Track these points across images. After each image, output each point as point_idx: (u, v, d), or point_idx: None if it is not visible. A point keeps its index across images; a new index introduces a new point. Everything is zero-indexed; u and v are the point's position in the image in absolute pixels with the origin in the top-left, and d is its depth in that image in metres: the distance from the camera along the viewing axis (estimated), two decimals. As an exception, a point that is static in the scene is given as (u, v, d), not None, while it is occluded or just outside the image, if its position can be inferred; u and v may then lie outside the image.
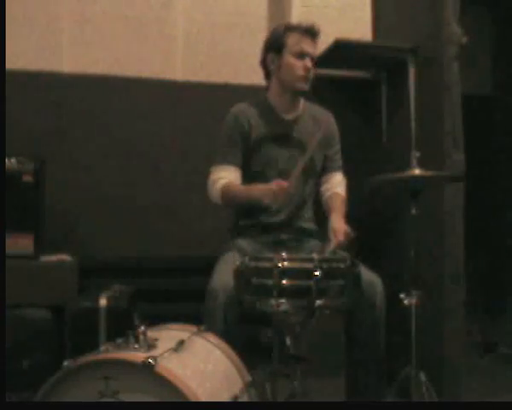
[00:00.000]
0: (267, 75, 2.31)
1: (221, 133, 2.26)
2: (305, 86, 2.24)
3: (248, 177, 2.23)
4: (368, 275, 1.95)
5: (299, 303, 1.59)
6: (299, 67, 2.19)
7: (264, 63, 2.29)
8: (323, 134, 2.30)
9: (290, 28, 2.23)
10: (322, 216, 2.29)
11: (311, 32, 2.21)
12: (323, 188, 2.34)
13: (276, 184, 1.99)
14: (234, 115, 2.26)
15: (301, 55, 2.19)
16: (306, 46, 2.20)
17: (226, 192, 2.17)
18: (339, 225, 2.06)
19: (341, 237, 1.98)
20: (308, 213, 2.31)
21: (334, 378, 2.28)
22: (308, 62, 2.20)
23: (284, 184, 1.98)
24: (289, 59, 2.20)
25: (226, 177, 2.19)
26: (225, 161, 2.21)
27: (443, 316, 2.59)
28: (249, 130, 2.23)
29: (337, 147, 2.36)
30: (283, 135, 2.26)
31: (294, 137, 2.27)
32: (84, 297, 2.36)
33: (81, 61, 3.01)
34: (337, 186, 2.32)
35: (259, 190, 2.07)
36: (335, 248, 1.96)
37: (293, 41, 2.20)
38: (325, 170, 2.33)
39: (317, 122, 2.32)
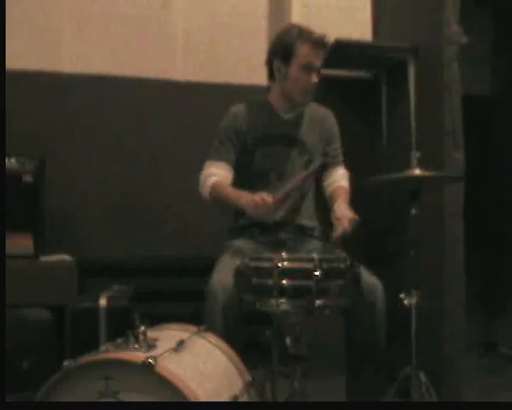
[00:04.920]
0: (270, 76, 2.29)
1: (218, 131, 2.26)
2: (306, 100, 2.24)
3: (249, 177, 2.23)
4: (368, 278, 1.95)
5: (299, 303, 1.59)
6: (305, 81, 2.16)
7: (269, 65, 2.26)
8: (324, 133, 2.30)
9: (302, 38, 2.15)
10: (323, 213, 2.29)
11: (322, 45, 2.17)
12: (326, 183, 2.32)
13: (260, 198, 1.95)
14: (232, 115, 2.26)
15: (309, 69, 2.15)
16: (316, 60, 2.16)
17: (215, 191, 2.17)
18: (343, 211, 2.04)
19: (346, 224, 1.96)
20: (308, 209, 2.31)
21: (334, 378, 2.28)
22: (314, 77, 2.17)
23: (268, 199, 1.95)
24: (296, 72, 2.16)
25: (217, 173, 2.19)
26: (219, 157, 2.21)
27: (443, 316, 2.59)
28: (248, 130, 2.23)
29: (337, 144, 2.35)
30: (283, 135, 2.26)
31: (295, 137, 2.27)
32: (84, 297, 2.36)
33: (81, 61, 3.01)
34: (340, 180, 2.30)
35: (244, 198, 2.03)
36: (342, 235, 1.94)
37: (303, 53, 2.14)
38: (327, 166, 2.32)
39: (316, 121, 2.32)
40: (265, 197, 1.95)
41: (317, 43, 2.15)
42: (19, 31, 2.91)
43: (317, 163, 2.12)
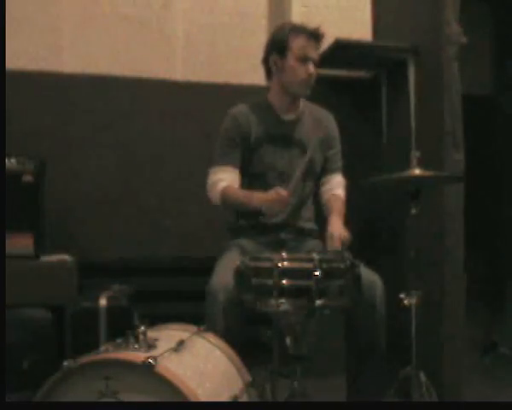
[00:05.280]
0: (268, 74, 2.30)
1: (220, 134, 2.25)
2: (307, 91, 2.24)
3: (248, 178, 2.23)
4: (368, 275, 1.95)
5: (299, 303, 1.59)
6: (302, 71, 2.17)
7: (266, 63, 2.27)
8: (324, 135, 2.30)
9: (295, 30, 2.18)
10: (322, 216, 2.29)
11: (316, 36, 2.18)
12: (323, 189, 2.33)
13: (275, 193, 1.98)
14: (233, 116, 2.25)
15: (305, 60, 2.16)
16: (311, 51, 2.17)
17: (226, 195, 2.16)
18: (336, 229, 2.05)
19: (337, 244, 1.97)
20: (308, 212, 2.31)
21: (334, 378, 2.28)
22: (311, 67, 2.17)
23: (283, 192, 1.97)
24: (292, 63, 2.17)
25: (226, 178, 2.18)
26: (224, 161, 2.20)
27: (443, 316, 2.59)
28: (249, 131, 2.22)
29: (337, 148, 2.35)
30: (283, 136, 2.26)
31: (295, 138, 2.27)
32: (84, 297, 2.36)
33: (81, 61, 3.01)
34: (336, 188, 2.31)
35: (259, 198, 2.06)
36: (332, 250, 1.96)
37: (297, 45, 2.16)
38: (325, 171, 2.32)
39: (317, 123, 2.31)
40: (281, 192, 1.98)
41: (311, 34, 2.17)
42: (19, 31, 2.91)
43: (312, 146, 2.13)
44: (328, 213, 2.19)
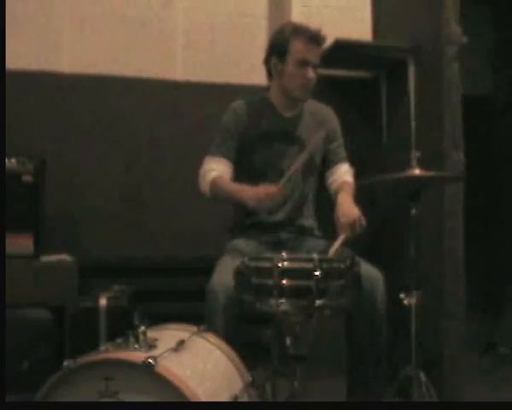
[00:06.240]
0: (269, 76, 2.29)
1: (219, 126, 2.25)
2: (305, 96, 2.23)
3: (249, 175, 2.22)
4: (368, 270, 1.93)
5: (299, 303, 1.59)
6: (301, 76, 2.15)
7: (266, 64, 2.26)
8: (324, 133, 2.30)
9: (295, 33, 2.15)
10: (322, 212, 2.29)
11: (316, 40, 2.16)
12: (331, 180, 2.29)
13: (263, 189, 1.97)
14: (234, 110, 2.25)
15: (304, 64, 2.15)
16: (310, 55, 2.15)
17: (215, 186, 2.15)
18: (347, 208, 1.99)
19: (346, 228, 1.91)
20: (308, 209, 2.30)
21: (334, 378, 2.28)
22: (310, 72, 2.15)
23: (272, 188, 1.96)
24: (292, 67, 2.15)
25: (217, 169, 2.17)
26: (219, 153, 2.20)
27: (443, 316, 2.59)
28: (248, 127, 2.22)
29: (339, 141, 2.33)
30: (284, 133, 2.25)
31: (295, 135, 2.26)
32: (84, 297, 2.36)
33: (81, 61, 3.01)
34: (344, 175, 2.29)
35: (246, 192, 2.03)
36: (341, 244, 1.91)
37: (297, 48, 2.14)
38: (330, 163, 2.30)
39: (317, 119, 2.31)
40: (268, 188, 1.96)
41: (311, 38, 2.15)
42: (19, 31, 2.91)
43: (313, 141, 2.06)
44: (337, 196, 2.15)
